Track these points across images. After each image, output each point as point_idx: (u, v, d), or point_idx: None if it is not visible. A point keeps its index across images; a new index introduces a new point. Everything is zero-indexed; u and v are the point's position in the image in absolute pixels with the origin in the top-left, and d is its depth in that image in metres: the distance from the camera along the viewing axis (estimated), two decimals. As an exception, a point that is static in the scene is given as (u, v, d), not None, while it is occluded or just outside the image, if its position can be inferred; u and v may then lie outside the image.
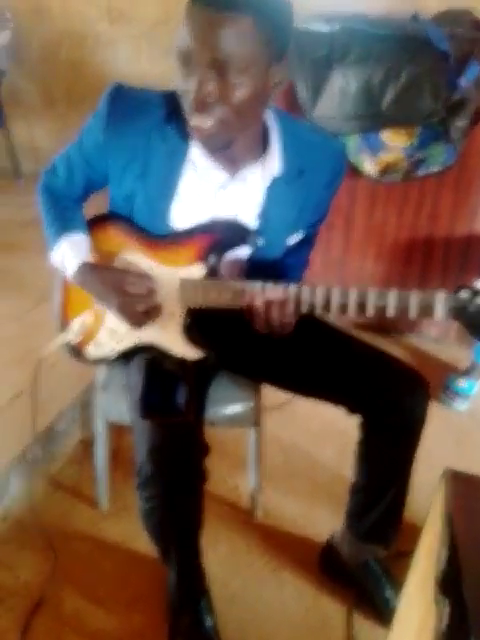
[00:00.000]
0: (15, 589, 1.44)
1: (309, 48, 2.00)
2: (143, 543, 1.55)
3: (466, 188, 2.09)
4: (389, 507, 1.32)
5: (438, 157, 2.02)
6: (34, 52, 3.15)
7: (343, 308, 1.08)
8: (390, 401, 1.23)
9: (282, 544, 1.59)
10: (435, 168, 2.04)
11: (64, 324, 1.37)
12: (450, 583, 0.60)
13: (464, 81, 1.90)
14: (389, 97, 1.95)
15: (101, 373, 1.49)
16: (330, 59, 1.97)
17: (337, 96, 1.97)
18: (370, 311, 1.06)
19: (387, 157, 2.06)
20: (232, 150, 1.14)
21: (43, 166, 1.36)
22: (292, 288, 1.10)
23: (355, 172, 2.09)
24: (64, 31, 3.05)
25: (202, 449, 1.13)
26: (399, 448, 1.27)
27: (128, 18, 2.91)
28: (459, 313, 1.02)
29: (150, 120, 1.16)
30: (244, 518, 1.65)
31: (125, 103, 1.17)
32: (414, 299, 1.03)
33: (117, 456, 1.65)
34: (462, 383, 2.11)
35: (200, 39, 0.94)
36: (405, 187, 2.13)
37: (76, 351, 1.36)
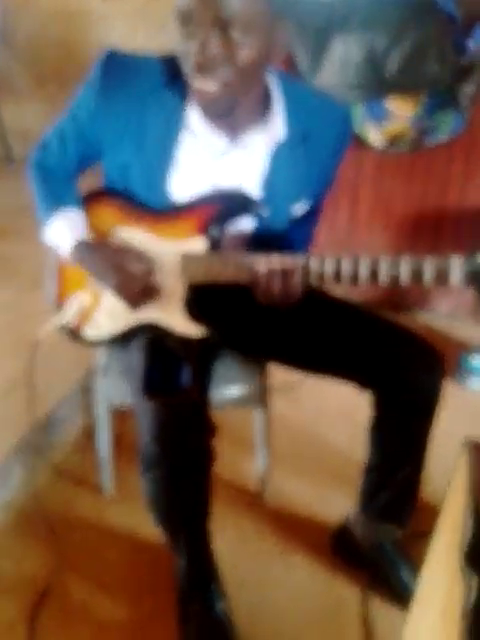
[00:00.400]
0: (20, 579, 1.40)
1: (308, 16, 1.92)
2: (149, 529, 1.51)
3: (477, 157, 2.02)
4: (404, 486, 1.27)
5: (446, 125, 1.95)
6: (22, 32, 3.06)
7: (354, 278, 1.02)
8: (405, 378, 1.18)
9: (292, 527, 1.54)
10: (444, 137, 1.97)
11: (60, 305, 1.32)
12: (478, 555, 0.56)
13: (472, 44, 1.83)
14: (393, 63, 1.87)
15: (101, 357, 1.44)
16: (330, 26, 1.90)
17: (338, 64, 1.90)
18: (383, 279, 1.01)
19: (393, 127, 1.99)
20: (233, 114, 1.08)
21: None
22: (300, 258, 1.05)
23: (360, 143, 2.02)
24: (54, 9, 2.97)
25: (208, 429, 1.09)
26: (413, 426, 1.22)
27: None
28: (476, 277, 0.96)
29: (145, 85, 1.10)
30: (252, 501, 1.61)
31: (119, 69, 1.11)
32: (428, 265, 0.98)
33: (120, 441, 1.60)
34: (475, 360, 2.05)
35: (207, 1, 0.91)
36: (413, 158, 2.07)
37: (73, 333, 1.30)
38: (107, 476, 1.58)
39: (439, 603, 0.71)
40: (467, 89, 1.86)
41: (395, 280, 1.01)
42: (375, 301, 2.23)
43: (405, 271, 1.00)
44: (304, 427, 1.86)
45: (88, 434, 1.78)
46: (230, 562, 1.36)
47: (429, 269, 0.98)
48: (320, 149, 1.17)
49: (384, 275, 1.01)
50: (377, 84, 1.91)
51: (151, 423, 1.04)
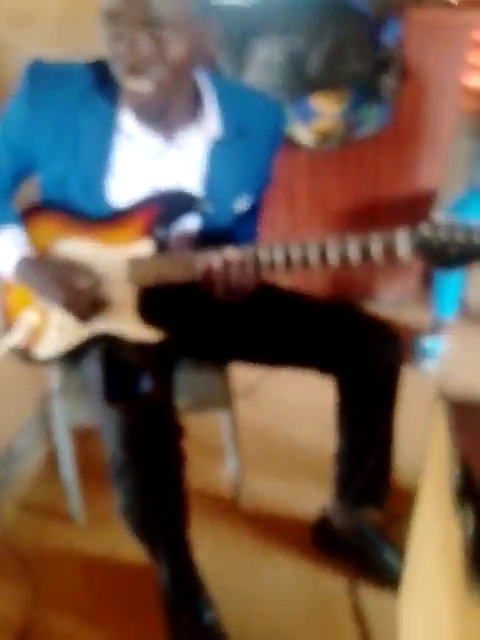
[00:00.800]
0: (-3, 621, 1.33)
1: (228, 24, 1.95)
2: (125, 552, 1.47)
3: (404, 146, 2.09)
4: (376, 466, 1.28)
5: (372, 118, 2.01)
6: None
7: (305, 262, 1.03)
8: (364, 357, 1.19)
9: (271, 527, 1.53)
10: (371, 129, 2.03)
11: (8, 326, 1.27)
12: (468, 493, 0.57)
13: (386, 39, 1.90)
14: (314, 62, 1.92)
15: (55, 379, 1.40)
16: (251, 31, 1.93)
17: (262, 67, 1.93)
18: (333, 261, 1.02)
19: (321, 124, 2.04)
20: (167, 114, 1.08)
21: None
22: (249, 249, 1.05)
23: (291, 143, 2.05)
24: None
25: (176, 431, 1.06)
26: (378, 404, 1.23)
27: (32, 20, 2.79)
28: (423, 247, 0.99)
29: (74, 92, 1.10)
30: (228, 507, 1.58)
31: (46, 77, 1.10)
32: (376, 241, 1.00)
33: (85, 466, 1.55)
34: (427, 342, 2.10)
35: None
36: (343, 152, 2.11)
37: (25, 354, 1.26)
38: (75, 502, 1.52)
39: (436, 544, 0.72)
40: (387, 81, 1.93)
41: (345, 260, 1.02)
42: (323, 295, 2.26)
43: (354, 250, 1.01)
44: (268, 427, 1.85)
45: (51, 463, 1.71)
46: (214, 570, 1.33)
47: (377, 245, 1.00)
48: (257, 143, 1.18)
49: (334, 256, 1.02)
50: (301, 84, 1.94)
51: (116, 430, 1.01)
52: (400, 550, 1.35)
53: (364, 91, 1.96)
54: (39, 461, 1.74)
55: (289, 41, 1.90)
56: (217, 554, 1.44)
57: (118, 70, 1.00)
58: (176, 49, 0.97)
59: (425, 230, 0.99)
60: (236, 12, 1.95)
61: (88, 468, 1.57)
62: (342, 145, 2.07)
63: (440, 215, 1.02)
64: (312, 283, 2.21)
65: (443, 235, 0.98)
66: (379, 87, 1.94)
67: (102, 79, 1.09)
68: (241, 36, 1.93)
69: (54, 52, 2.83)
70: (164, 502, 1.10)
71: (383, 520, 1.47)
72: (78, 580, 1.42)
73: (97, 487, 1.59)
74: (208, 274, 1.06)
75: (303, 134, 2.05)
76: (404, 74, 1.96)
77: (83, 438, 1.50)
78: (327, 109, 2.00)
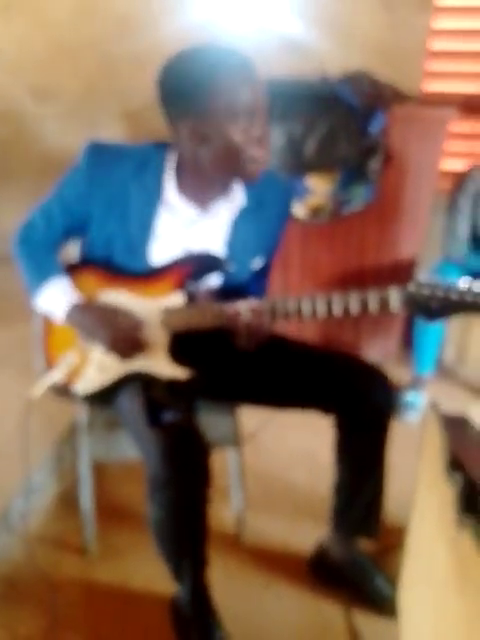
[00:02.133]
0: (15, 646, 1.41)
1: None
2: (138, 581, 1.58)
3: (387, 221, 2.35)
4: (370, 497, 1.43)
5: (359, 196, 2.27)
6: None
7: (313, 313, 1.22)
8: (358, 395, 1.36)
9: (272, 561, 1.65)
10: (357, 206, 2.28)
11: (48, 366, 1.43)
12: (457, 463, 0.75)
13: (373, 129, 2.18)
14: (310, 148, 2.19)
15: (82, 415, 1.54)
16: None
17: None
18: (336, 311, 1.20)
19: (314, 201, 2.29)
20: (206, 188, 1.29)
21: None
22: (267, 300, 1.24)
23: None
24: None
25: (205, 451, 1.21)
26: (372, 438, 1.39)
27: (52, 95, 3.07)
28: (410, 302, 1.17)
29: (126, 170, 1.30)
30: (231, 541, 1.70)
31: (103, 155, 1.31)
32: (373, 296, 1.19)
33: (98, 501, 1.66)
34: (409, 396, 2.30)
35: (259, 95, 1.17)
36: (333, 226, 2.36)
37: (62, 390, 1.41)
38: (91, 534, 1.63)
39: (435, 517, 0.87)
40: (373, 165, 2.20)
41: (347, 312, 1.21)
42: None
43: (354, 303, 1.20)
44: (268, 472, 1.99)
45: (64, 500, 1.82)
46: (220, 600, 1.44)
47: (374, 299, 1.19)
48: (271, 212, 1.40)
49: (338, 308, 1.21)
50: (297, 165, 2.21)
51: (158, 448, 1.16)
52: (391, 579, 1.49)
53: (352, 173, 2.23)
54: (53, 497, 1.84)
55: (288, 128, 2.18)
56: (224, 584, 1.53)
57: (248, 152, 1.19)
58: None
59: (412, 287, 1.18)
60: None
61: (100, 504, 1.69)
62: (331, 219, 2.32)
63: (424, 276, 1.21)
64: (305, 338, 2.41)
65: (427, 291, 1.16)
66: (366, 170, 2.21)
67: (147, 161, 1.31)
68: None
69: (72, 122, 3.12)
70: (194, 517, 1.24)
71: (375, 552, 1.61)
72: (92, 607, 1.51)
73: (108, 522, 1.72)
74: (232, 322, 1.24)
75: (297, 209, 2.30)
76: (387, 159, 2.23)
77: (97, 475, 1.63)
78: (319, 188, 2.27)
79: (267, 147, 1.22)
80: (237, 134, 1.17)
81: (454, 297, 1.15)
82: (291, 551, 1.68)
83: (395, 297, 1.18)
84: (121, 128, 3.05)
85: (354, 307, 1.20)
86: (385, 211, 2.33)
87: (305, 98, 2.18)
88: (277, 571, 1.62)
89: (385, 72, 2.43)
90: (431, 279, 1.19)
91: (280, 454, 2.07)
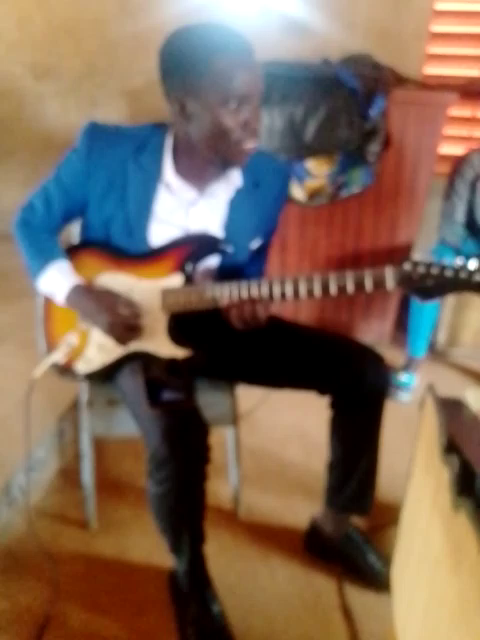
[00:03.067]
0: (18, 616, 1.46)
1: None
2: (137, 554, 1.63)
3: (384, 204, 2.36)
4: (364, 475, 1.47)
5: (358, 179, 2.28)
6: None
7: (310, 293, 1.23)
8: (353, 376, 1.39)
9: (267, 536, 1.70)
10: (356, 189, 2.30)
11: (50, 346, 1.46)
12: (453, 446, 0.78)
13: (373, 112, 2.18)
14: (310, 130, 2.19)
15: (84, 393, 1.57)
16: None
17: (264, 133, 2.20)
18: (333, 290, 1.21)
19: (313, 183, 2.30)
20: (205, 170, 1.31)
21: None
22: (264, 283, 1.26)
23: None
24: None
25: (205, 429, 1.25)
26: (367, 418, 1.43)
27: (53, 73, 3.06)
28: (405, 281, 1.18)
29: (125, 150, 1.31)
30: (228, 517, 1.75)
31: (102, 137, 1.32)
32: (368, 275, 1.20)
33: (98, 476, 1.70)
34: (402, 377, 2.34)
35: (254, 82, 1.18)
36: (331, 208, 2.38)
37: (64, 370, 1.44)
38: (91, 507, 1.67)
39: (429, 499, 0.90)
40: (372, 148, 2.21)
41: (343, 290, 1.22)
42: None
43: (350, 282, 1.21)
44: (262, 450, 2.04)
45: (65, 475, 1.87)
46: (216, 573, 1.48)
47: (369, 279, 1.20)
48: (268, 195, 1.42)
49: (334, 286, 1.22)
50: (298, 148, 2.22)
51: (159, 427, 1.19)
52: (384, 555, 1.54)
53: (352, 156, 2.24)
54: (54, 472, 1.89)
55: (288, 111, 2.18)
56: (220, 558, 1.59)
57: (235, 136, 1.21)
58: None
59: (407, 266, 1.19)
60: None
61: (100, 479, 1.73)
62: (330, 202, 2.34)
63: (420, 255, 1.22)
64: (301, 318, 2.44)
65: (422, 270, 1.17)
66: (365, 153, 2.22)
67: (146, 142, 1.32)
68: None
69: (72, 100, 3.11)
70: (193, 493, 1.27)
71: (368, 528, 1.66)
72: (93, 578, 1.56)
73: (107, 497, 1.77)
74: (229, 305, 1.26)
75: (297, 191, 2.31)
76: (387, 143, 2.25)
77: (98, 452, 1.67)
78: (319, 170, 2.28)
79: (256, 133, 1.23)
80: (226, 117, 1.18)
81: (449, 275, 1.15)
82: (286, 526, 1.73)
83: (391, 275, 1.19)
84: (121, 107, 3.05)
85: (350, 286, 1.21)
86: (383, 194, 2.35)
87: (306, 80, 2.18)
88: (272, 546, 1.67)
89: (386, 54, 2.44)
90: (426, 258, 1.19)
91: (275, 431, 2.12)
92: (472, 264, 1.13)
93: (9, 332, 2.40)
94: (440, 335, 2.61)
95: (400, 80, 2.37)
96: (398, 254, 2.43)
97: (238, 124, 1.20)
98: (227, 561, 1.61)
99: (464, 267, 1.13)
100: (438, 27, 2.62)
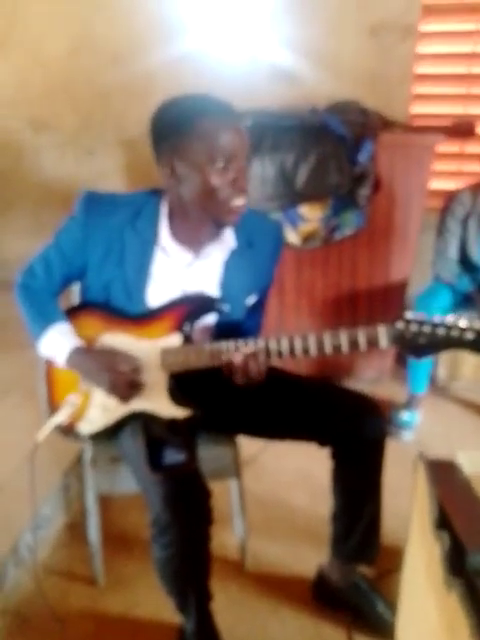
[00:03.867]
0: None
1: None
2: (145, 610, 1.63)
3: (377, 244, 2.41)
4: (368, 525, 1.48)
5: (350, 222, 2.33)
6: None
7: (305, 351, 1.27)
8: (350, 427, 1.41)
9: (275, 586, 1.70)
10: (348, 232, 2.35)
11: (52, 408, 1.48)
12: (444, 522, 0.79)
13: (362, 157, 2.24)
14: (301, 177, 2.25)
15: (88, 452, 1.59)
16: (251, 150, 2.26)
17: (258, 181, 2.25)
18: (328, 349, 1.25)
19: (307, 227, 2.35)
20: (199, 232, 1.35)
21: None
22: (261, 341, 1.29)
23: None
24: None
25: (206, 492, 1.26)
26: (366, 466, 1.45)
27: (50, 126, 3.14)
28: (398, 339, 1.21)
29: (121, 217, 1.36)
30: (235, 568, 1.75)
31: (98, 205, 1.37)
32: (362, 334, 1.23)
33: (104, 531, 1.71)
34: (404, 415, 2.35)
35: (239, 141, 1.24)
36: (326, 251, 2.42)
37: (67, 430, 1.47)
38: (98, 564, 1.68)
39: (423, 573, 0.92)
40: (363, 191, 2.26)
41: (337, 349, 1.26)
42: (310, 372, 2.51)
43: (344, 341, 1.25)
44: (269, 496, 2.04)
45: (72, 530, 1.88)
46: (226, 627, 1.48)
47: (363, 337, 1.23)
48: (262, 253, 1.46)
49: (328, 345, 1.26)
50: (290, 195, 2.27)
51: (160, 493, 1.21)
52: (391, 602, 1.53)
53: (343, 200, 2.29)
54: (61, 528, 1.89)
55: (280, 159, 2.24)
56: (227, 612, 1.58)
57: (222, 195, 1.26)
58: None
59: (400, 325, 1.22)
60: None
61: (106, 535, 1.73)
62: (324, 244, 2.38)
63: (411, 313, 1.23)
64: (302, 361, 2.47)
65: (414, 329, 1.20)
66: (356, 197, 2.27)
67: (142, 208, 1.37)
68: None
69: (70, 152, 3.18)
70: (197, 556, 1.29)
71: (374, 576, 1.66)
72: (102, 638, 1.56)
73: (114, 553, 1.77)
74: (229, 365, 1.29)
75: (291, 236, 2.36)
76: (376, 185, 2.30)
77: (103, 507, 1.68)
78: (312, 215, 2.33)
79: (244, 190, 1.28)
80: (213, 175, 1.24)
81: (441, 333, 1.18)
82: (294, 575, 1.73)
83: (383, 334, 1.23)
84: (118, 156, 3.12)
85: (344, 344, 1.25)
86: (376, 235, 2.40)
87: (295, 129, 2.25)
88: (280, 596, 1.67)
89: (373, 99, 2.51)
90: (418, 315, 1.23)
91: (281, 476, 2.13)
92: (462, 322, 1.16)
93: (13, 384, 2.43)
94: (440, 369, 2.64)
95: (387, 124, 2.44)
96: (394, 292, 2.47)
97: (226, 182, 1.25)
98: (236, 614, 1.61)
99: (455, 325, 1.16)
100: (422, 68, 2.70)
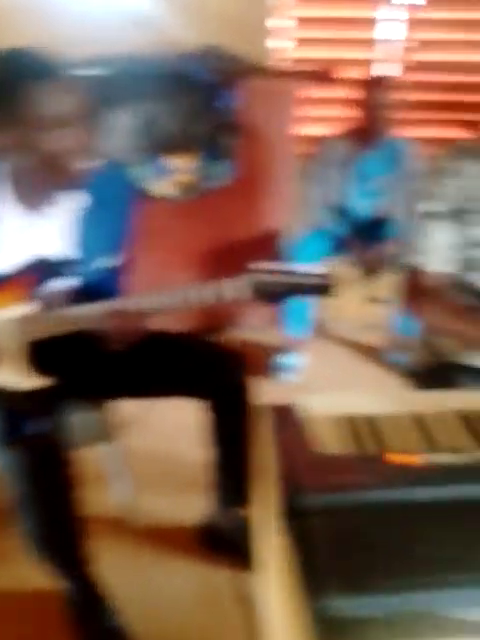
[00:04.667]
0: None
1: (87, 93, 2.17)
2: (33, 584, 1.58)
3: (249, 195, 2.41)
4: (243, 470, 1.52)
5: (219, 173, 2.32)
6: None
7: (171, 307, 1.24)
8: (218, 381, 1.46)
9: (162, 539, 1.72)
10: (217, 182, 2.33)
11: None
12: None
13: (222, 104, 2.21)
14: (164, 127, 2.20)
15: None
16: (109, 101, 2.17)
17: (120, 132, 2.17)
18: (194, 302, 1.23)
19: (183, 178, 2.32)
20: (42, 193, 1.28)
21: None
22: (130, 300, 1.25)
23: (149, 196, 2.30)
24: None
25: (66, 461, 1.26)
26: (235, 412, 1.48)
27: None
28: (258, 290, 1.20)
29: None
30: (120, 527, 1.75)
31: None
32: (227, 287, 1.21)
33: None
34: (284, 359, 2.42)
35: (72, 103, 1.17)
36: (199, 203, 2.40)
37: None
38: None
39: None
40: (226, 141, 2.24)
41: (203, 302, 1.24)
42: (199, 327, 2.51)
43: (210, 295, 1.22)
44: (157, 449, 2.06)
45: None
46: (113, 584, 1.47)
47: (229, 290, 1.21)
48: (113, 211, 1.41)
49: (194, 299, 1.23)
50: (154, 146, 2.21)
51: (18, 468, 1.18)
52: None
53: (211, 149, 2.26)
54: None
55: (141, 108, 2.17)
56: (115, 569, 1.57)
57: (62, 160, 1.19)
58: None
59: (258, 276, 1.23)
60: (90, 81, 2.18)
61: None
62: (200, 195, 2.35)
63: (267, 264, 1.23)
64: (187, 315, 2.45)
65: (269, 278, 1.19)
66: (221, 145, 2.25)
67: None
68: (100, 104, 2.16)
69: None
70: (63, 522, 1.28)
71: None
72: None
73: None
74: (102, 327, 1.25)
75: (165, 187, 2.31)
76: (241, 134, 2.28)
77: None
78: (184, 165, 2.29)
79: (87, 152, 1.22)
80: (47, 144, 1.16)
81: (295, 280, 1.19)
82: (181, 526, 1.75)
83: (245, 287, 1.20)
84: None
85: (210, 299, 1.22)
86: (248, 184, 2.39)
87: (155, 77, 2.17)
88: (167, 548, 1.69)
89: (238, 45, 2.44)
90: (273, 266, 1.22)
91: (166, 431, 2.14)
92: (316, 268, 1.17)
93: None
94: (323, 312, 2.71)
95: (252, 70, 2.40)
96: (269, 242, 2.49)
97: (64, 148, 1.18)
98: (122, 572, 1.60)
99: (299, 271, 1.17)
100: (299, 11, 2.64)
